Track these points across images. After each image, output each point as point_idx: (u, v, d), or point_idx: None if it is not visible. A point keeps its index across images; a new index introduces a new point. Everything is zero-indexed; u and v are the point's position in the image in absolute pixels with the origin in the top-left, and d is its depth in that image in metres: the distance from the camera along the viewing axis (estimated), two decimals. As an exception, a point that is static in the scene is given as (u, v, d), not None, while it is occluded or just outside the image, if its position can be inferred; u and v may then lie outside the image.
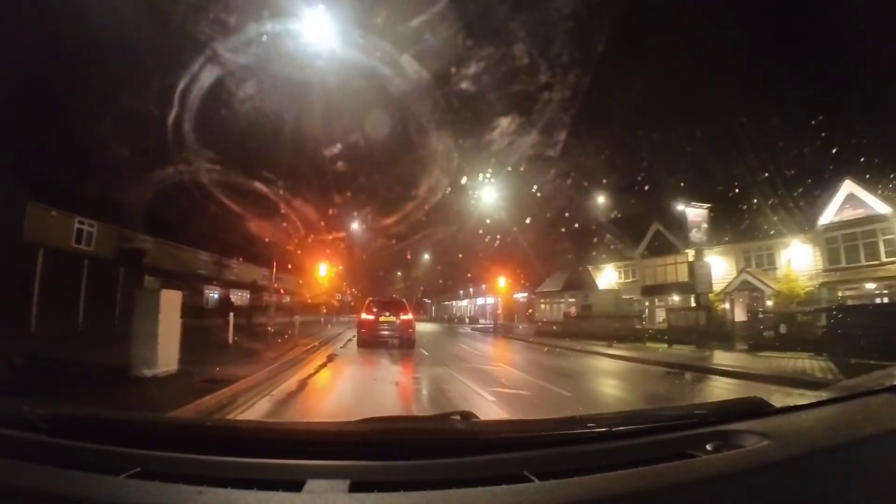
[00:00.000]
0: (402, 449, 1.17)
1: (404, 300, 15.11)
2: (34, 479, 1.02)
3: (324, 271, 23.20)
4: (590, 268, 26.66)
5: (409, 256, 51.86)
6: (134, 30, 12.50)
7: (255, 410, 4.92)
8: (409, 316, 13.40)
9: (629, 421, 1.45)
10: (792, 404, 1.50)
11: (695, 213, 16.70)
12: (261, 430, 1.52)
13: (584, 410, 5.26)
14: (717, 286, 19.65)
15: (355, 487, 1.00)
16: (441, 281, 57.14)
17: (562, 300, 27.41)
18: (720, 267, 19.93)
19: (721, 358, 10.69)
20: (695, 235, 16.57)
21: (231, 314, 12.60)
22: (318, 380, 7.52)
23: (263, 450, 1.14)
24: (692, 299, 21.19)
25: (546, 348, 14.52)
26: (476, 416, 1.50)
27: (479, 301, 51.05)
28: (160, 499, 0.95)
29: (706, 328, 14.59)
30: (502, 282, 34.27)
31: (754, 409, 1.46)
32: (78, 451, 1.15)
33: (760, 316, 15.62)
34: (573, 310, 25.36)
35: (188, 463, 1.10)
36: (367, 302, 14.17)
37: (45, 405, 1.30)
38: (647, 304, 23.61)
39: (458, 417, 1.48)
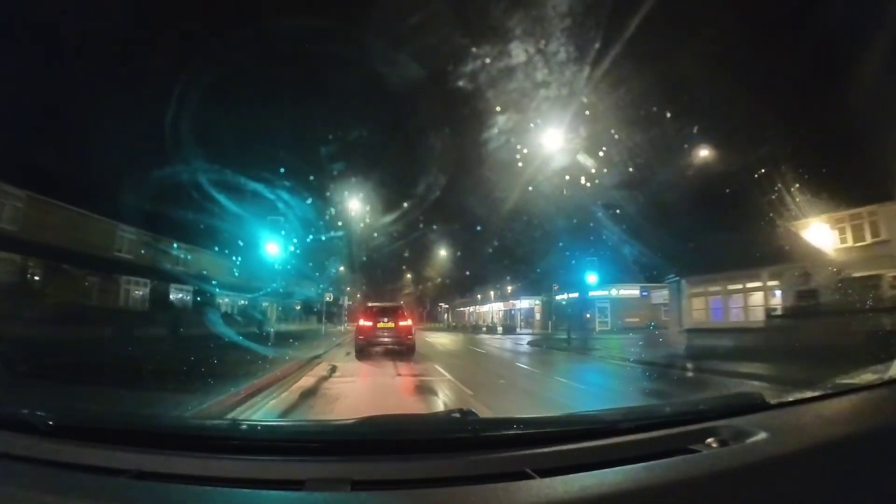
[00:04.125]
0: (403, 447, 1.19)
1: (402, 305, 14.94)
2: (35, 480, 0.99)
3: (275, 250, 13.32)
4: (793, 229, 14.22)
5: (418, 256, 43.33)
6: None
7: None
8: (408, 322, 12.66)
9: (629, 417, 1.46)
10: (791, 399, 1.51)
11: None
12: (261, 430, 1.50)
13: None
14: None
15: (357, 486, 0.99)
16: (453, 283, 47.35)
17: (754, 285, 14.18)
18: None
19: None
20: None
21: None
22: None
23: (264, 449, 1.15)
24: None
25: None
26: (476, 414, 1.51)
27: (515, 304, 40.90)
28: (161, 499, 0.93)
29: None
30: (577, 273, 22.99)
31: (754, 404, 1.47)
32: (79, 453, 1.13)
33: None
34: (779, 304, 13.17)
35: (189, 463, 1.08)
36: (365, 308, 14.21)
37: (46, 407, 1.30)
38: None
39: (458, 415, 1.48)
